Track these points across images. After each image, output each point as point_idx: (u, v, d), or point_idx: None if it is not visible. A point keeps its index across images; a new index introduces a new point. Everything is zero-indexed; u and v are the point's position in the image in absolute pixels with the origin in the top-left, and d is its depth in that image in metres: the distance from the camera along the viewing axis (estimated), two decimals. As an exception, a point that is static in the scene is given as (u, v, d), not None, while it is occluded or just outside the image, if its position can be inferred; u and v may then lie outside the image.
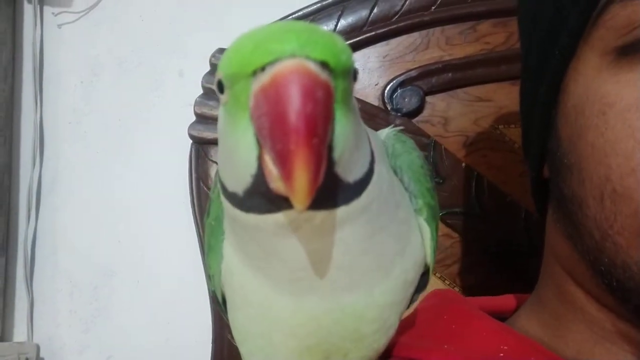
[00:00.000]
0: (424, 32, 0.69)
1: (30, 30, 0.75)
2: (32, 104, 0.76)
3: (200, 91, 0.68)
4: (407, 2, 0.69)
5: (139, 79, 0.75)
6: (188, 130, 0.67)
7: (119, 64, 0.75)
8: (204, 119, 0.69)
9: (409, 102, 0.68)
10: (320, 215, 0.23)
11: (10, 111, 0.75)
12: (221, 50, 0.68)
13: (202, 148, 0.69)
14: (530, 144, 0.41)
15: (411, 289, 0.31)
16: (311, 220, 0.23)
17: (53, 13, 0.76)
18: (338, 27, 0.69)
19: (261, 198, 0.22)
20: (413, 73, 0.68)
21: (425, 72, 0.68)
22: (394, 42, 0.70)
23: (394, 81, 0.68)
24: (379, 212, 0.26)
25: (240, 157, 0.22)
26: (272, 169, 0.20)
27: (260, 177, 0.21)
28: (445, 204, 0.67)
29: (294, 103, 0.18)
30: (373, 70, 0.70)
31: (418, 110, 0.68)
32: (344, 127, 0.21)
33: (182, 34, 0.74)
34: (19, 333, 0.75)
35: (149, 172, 0.74)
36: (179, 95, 0.73)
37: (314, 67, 0.19)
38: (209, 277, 0.32)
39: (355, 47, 0.69)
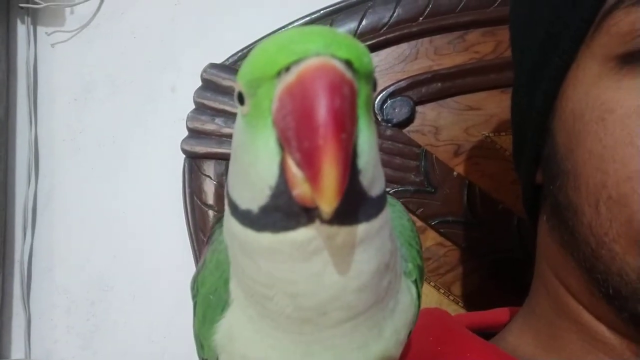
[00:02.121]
0: (412, 42, 0.70)
1: (23, 50, 0.76)
2: (26, 122, 0.76)
3: (193, 106, 0.69)
4: (395, 14, 0.70)
5: (131, 96, 0.76)
6: (181, 145, 0.68)
7: (112, 81, 0.76)
8: (196, 134, 0.69)
9: (399, 112, 0.69)
10: (342, 232, 0.21)
11: (5, 130, 0.76)
12: (213, 66, 0.69)
13: (195, 162, 0.70)
14: (523, 151, 0.41)
15: (401, 349, 0.29)
16: (333, 237, 0.21)
17: (46, 33, 0.77)
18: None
19: (279, 213, 0.21)
20: (403, 83, 0.69)
21: (415, 82, 0.69)
22: (383, 53, 0.71)
23: (384, 92, 0.69)
24: (385, 241, 0.24)
25: (260, 167, 0.21)
26: (295, 173, 0.20)
27: (281, 186, 0.21)
28: (438, 213, 0.67)
29: (321, 98, 0.18)
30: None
31: (408, 120, 0.68)
32: (367, 135, 0.21)
33: (174, 50, 0.75)
34: (17, 350, 0.75)
35: (143, 187, 0.74)
36: (171, 111, 0.74)
37: (339, 65, 0.19)
38: (200, 347, 0.30)
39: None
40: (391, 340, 0.26)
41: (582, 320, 0.37)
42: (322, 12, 0.70)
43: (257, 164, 0.21)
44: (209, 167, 0.70)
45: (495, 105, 0.68)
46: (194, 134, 0.70)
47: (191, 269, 0.67)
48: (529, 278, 0.62)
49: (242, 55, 0.70)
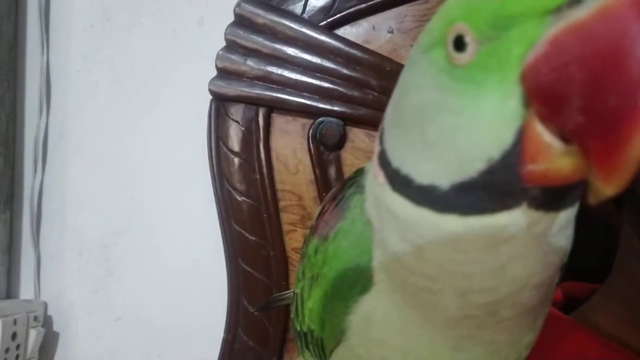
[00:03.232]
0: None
1: (35, -35, 0.69)
2: (38, 47, 0.70)
3: (222, 43, 0.63)
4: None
5: (155, 26, 0.69)
6: (208, 86, 0.63)
7: (134, 9, 0.69)
8: (226, 74, 0.64)
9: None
10: (545, 219, 0.18)
11: (14, 54, 0.69)
12: (248, 0, 0.63)
13: (223, 105, 0.65)
14: None
15: None
16: (534, 224, 0.18)
17: (61, -53, 0.69)
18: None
19: (483, 192, 0.17)
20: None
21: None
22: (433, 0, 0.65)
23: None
24: (573, 229, 0.20)
25: (480, 133, 0.17)
26: (549, 142, 0.16)
27: (511, 158, 0.16)
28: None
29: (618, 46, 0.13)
30: (408, 31, 0.65)
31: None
32: None
33: (204, -22, 0.68)
34: (25, 291, 0.72)
35: (164, 127, 0.69)
36: (198, 47, 0.68)
37: None
38: (319, 324, 0.26)
39: (391, 4, 0.64)
40: (540, 330, 0.24)
41: None
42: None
43: (473, 128, 0.17)
44: (237, 111, 0.65)
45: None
46: (223, 74, 0.64)
47: (213, 218, 0.63)
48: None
49: (282, -10, 0.64)
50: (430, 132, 0.18)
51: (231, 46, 0.64)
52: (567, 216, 0.18)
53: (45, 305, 0.70)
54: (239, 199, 0.65)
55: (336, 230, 0.24)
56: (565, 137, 0.15)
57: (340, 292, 0.24)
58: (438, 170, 0.18)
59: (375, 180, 0.21)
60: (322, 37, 0.63)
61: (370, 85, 0.62)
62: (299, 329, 0.29)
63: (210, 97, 0.64)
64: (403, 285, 0.21)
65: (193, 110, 0.67)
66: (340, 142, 0.64)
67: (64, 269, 0.71)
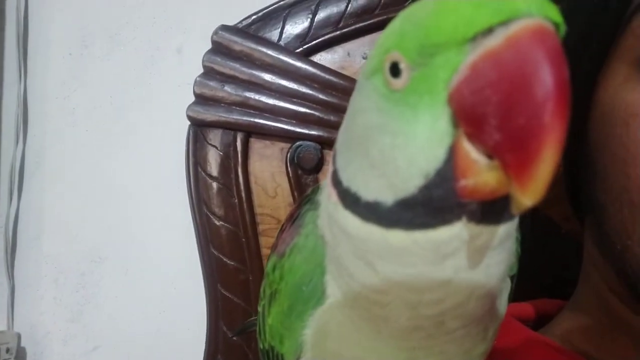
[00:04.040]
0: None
1: (13, -6, 0.69)
2: (15, 74, 0.70)
3: (200, 70, 0.64)
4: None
5: (133, 54, 0.70)
6: (186, 112, 0.64)
7: (111, 36, 0.70)
8: (204, 100, 0.65)
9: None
10: (486, 232, 0.19)
11: (-8, 81, 0.69)
12: (225, 28, 0.64)
13: (201, 130, 0.66)
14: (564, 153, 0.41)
15: None
16: (475, 238, 0.19)
17: (39, -23, 0.70)
18: (349, 9, 0.66)
19: (423, 207, 0.18)
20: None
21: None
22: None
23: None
24: (513, 241, 0.21)
25: (415, 152, 0.18)
26: (475, 159, 0.17)
27: (445, 174, 0.18)
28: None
29: (546, 67, 0.15)
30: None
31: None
32: None
33: (181, 8, 0.70)
34: (-1, 322, 0.71)
35: (142, 153, 0.69)
36: (176, 74, 0.69)
37: (554, 31, 0.16)
38: (279, 340, 0.27)
39: (366, 31, 0.66)
40: (493, 340, 0.25)
41: (626, 319, 0.37)
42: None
43: (410, 147, 0.18)
44: (216, 137, 0.66)
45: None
46: (201, 100, 0.65)
47: (192, 243, 0.63)
48: (521, 277, 0.61)
49: (257, 19, 0.65)
50: (374, 152, 0.19)
51: (209, 73, 0.65)
52: (507, 230, 0.19)
53: (19, 336, 0.69)
54: (218, 223, 0.65)
55: (291, 247, 0.25)
56: (489, 154, 0.17)
57: (296, 307, 0.25)
58: (382, 188, 0.19)
59: (328, 199, 0.22)
60: (299, 64, 0.64)
61: (345, 109, 0.63)
62: (261, 347, 0.30)
63: (188, 122, 0.64)
64: (355, 299, 0.22)
65: (171, 136, 0.67)
66: (318, 166, 0.65)
67: (39, 297, 0.70)
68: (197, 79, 0.64)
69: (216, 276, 0.64)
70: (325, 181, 0.24)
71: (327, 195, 0.22)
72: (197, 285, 0.64)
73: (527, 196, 0.16)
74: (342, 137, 0.23)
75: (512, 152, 0.16)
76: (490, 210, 0.18)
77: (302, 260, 0.24)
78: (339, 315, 0.23)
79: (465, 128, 0.17)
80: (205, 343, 0.64)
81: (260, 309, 0.30)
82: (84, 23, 0.70)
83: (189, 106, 0.64)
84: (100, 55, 0.70)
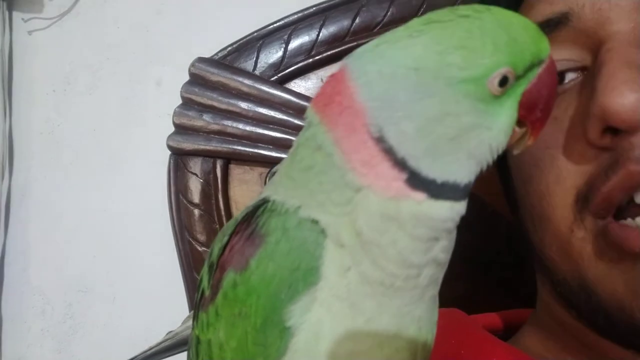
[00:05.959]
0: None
1: (-2, 36, 0.72)
2: (0, 113, 0.72)
3: (179, 101, 0.67)
4: (389, 13, 0.69)
5: (114, 89, 0.72)
6: (167, 141, 0.66)
7: (93, 72, 0.73)
8: (183, 130, 0.67)
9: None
10: (457, 207, 0.26)
11: (-23, 120, 0.71)
12: (201, 60, 0.67)
13: (181, 159, 0.67)
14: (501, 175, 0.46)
15: None
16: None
17: (23, 19, 0.73)
18: (320, 37, 0.69)
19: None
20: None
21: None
22: None
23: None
24: None
25: (501, 138, 0.25)
26: (517, 131, 0.27)
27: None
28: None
29: (556, 82, 0.28)
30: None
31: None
32: None
33: (159, 42, 0.72)
34: (-14, 356, 0.71)
35: (125, 184, 0.71)
36: (156, 106, 0.71)
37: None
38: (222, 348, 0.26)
39: (337, 57, 0.68)
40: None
41: (575, 329, 0.37)
42: (315, 8, 0.68)
43: (500, 136, 0.25)
44: (196, 165, 0.68)
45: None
46: (181, 129, 0.67)
47: (176, 270, 0.64)
48: (518, 282, 0.62)
49: (232, 50, 0.68)
50: (472, 145, 0.25)
51: (187, 103, 0.67)
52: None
53: (7, 369, 0.69)
54: (200, 249, 0.66)
55: (257, 258, 0.25)
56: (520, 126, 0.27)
57: (273, 317, 0.24)
58: (473, 172, 0.25)
59: (381, 197, 0.24)
60: (273, 91, 0.66)
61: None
62: None
63: (169, 152, 0.66)
64: (382, 284, 0.24)
65: (153, 165, 0.69)
66: (296, 189, 0.66)
67: (27, 329, 0.71)
68: (176, 109, 0.66)
69: (200, 301, 0.65)
70: (258, 198, 0.27)
71: (375, 195, 0.24)
72: (184, 310, 0.65)
73: (532, 140, 0.27)
74: (416, 143, 0.24)
75: (541, 120, 0.27)
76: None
77: (276, 267, 0.24)
78: (334, 309, 0.24)
79: (521, 112, 0.26)
80: (192, 368, 0.65)
81: (208, 336, 0.27)
82: (66, 60, 0.73)
83: (169, 136, 0.66)
84: (82, 91, 0.73)
